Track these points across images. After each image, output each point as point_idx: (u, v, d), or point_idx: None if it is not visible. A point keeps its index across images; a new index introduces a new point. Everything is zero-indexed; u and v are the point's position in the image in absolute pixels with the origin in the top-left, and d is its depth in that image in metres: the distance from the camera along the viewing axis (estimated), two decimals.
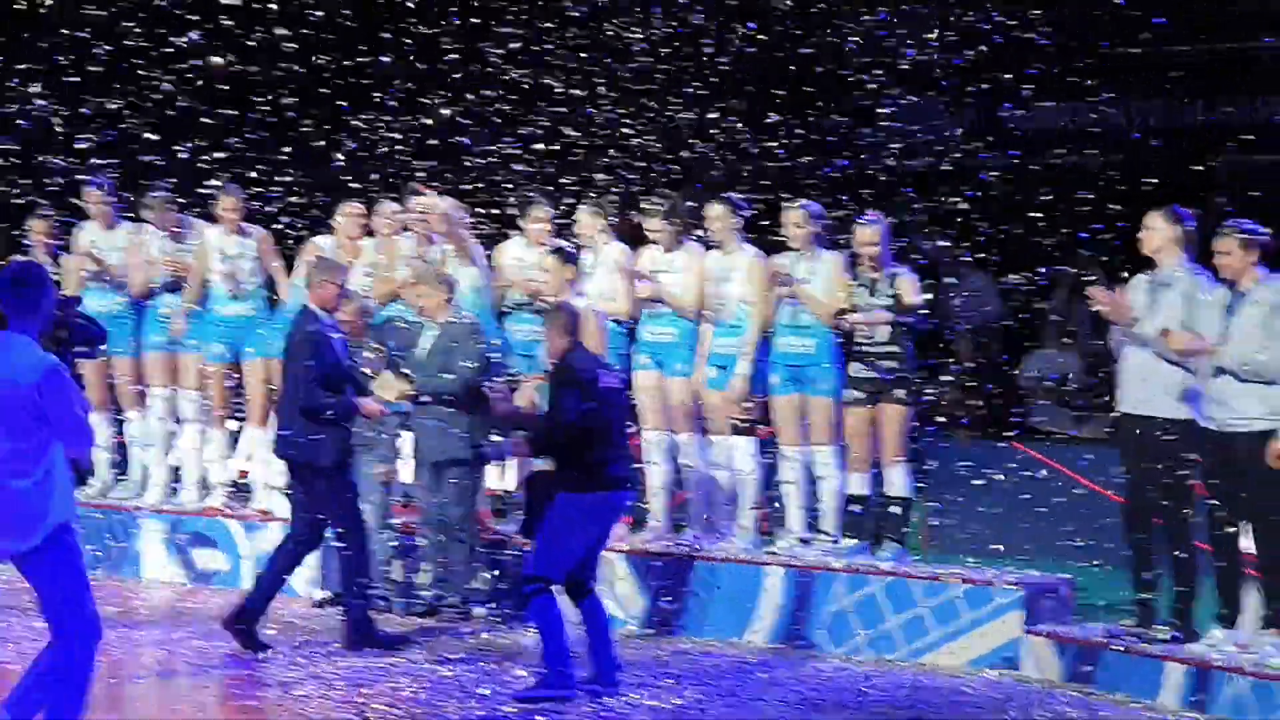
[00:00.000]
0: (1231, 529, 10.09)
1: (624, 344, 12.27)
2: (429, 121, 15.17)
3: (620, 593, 12.10)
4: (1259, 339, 9.84)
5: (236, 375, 13.52)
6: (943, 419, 15.60)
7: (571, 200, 12.96)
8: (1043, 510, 13.59)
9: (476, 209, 13.30)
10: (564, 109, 14.77)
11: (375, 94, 15.51)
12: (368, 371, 11.55)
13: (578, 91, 14.85)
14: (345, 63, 15.28)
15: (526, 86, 15.14)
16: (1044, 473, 13.89)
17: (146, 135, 15.02)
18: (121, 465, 14.02)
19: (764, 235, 12.22)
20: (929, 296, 12.34)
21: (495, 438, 11.54)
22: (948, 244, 15.38)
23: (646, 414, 12.26)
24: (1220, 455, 10.02)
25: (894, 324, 11.61)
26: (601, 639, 10.05)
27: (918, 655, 11.31)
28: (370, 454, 12.05)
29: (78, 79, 15.40)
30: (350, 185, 14.16)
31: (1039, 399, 16.62)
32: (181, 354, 13.55)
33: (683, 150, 14.49)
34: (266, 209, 14.33)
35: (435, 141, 15.12)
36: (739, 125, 15.53)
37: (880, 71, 14.58)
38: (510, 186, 13.51)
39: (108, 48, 15.36)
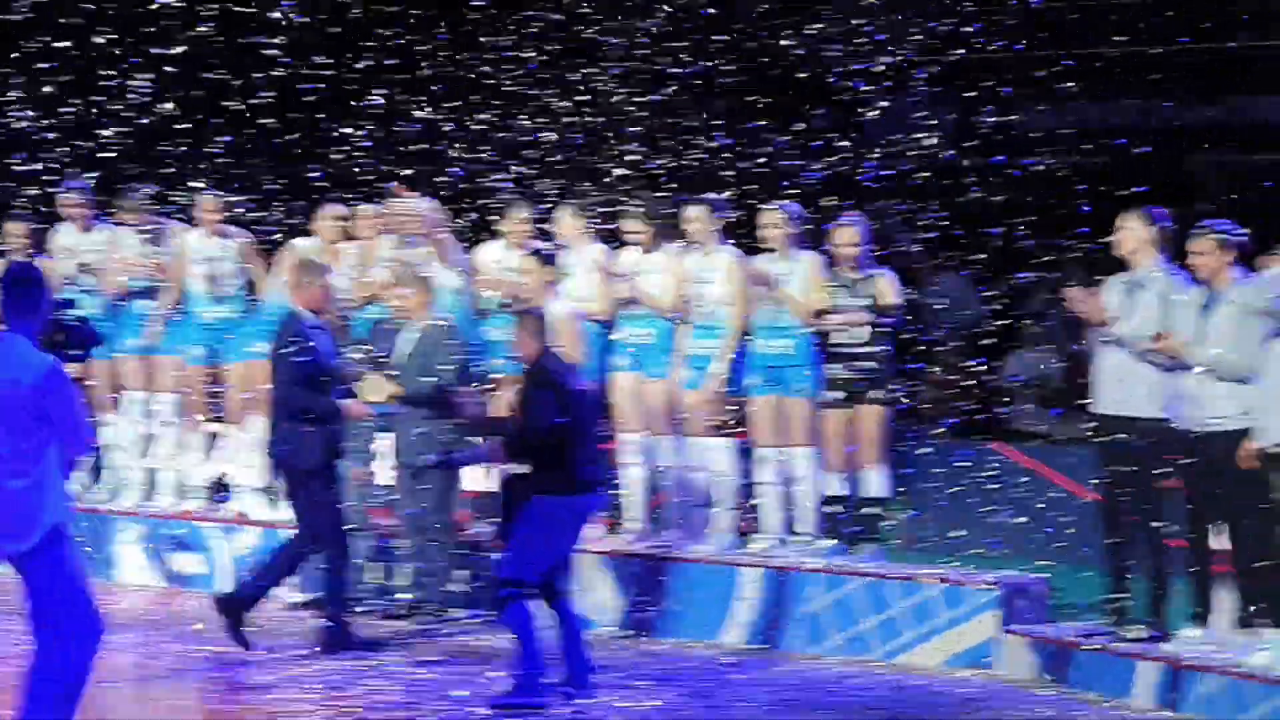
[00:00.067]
0: (1205, 528, 10.12)
1: (602, 344, 12.27)
2: (411, 127, 15.17)
3: (597, 594, 12.11)
4: (1233, 339, 9.86)
5: (217, 378, 13.52)
6: (923, 420, 15.63)
7: (550, 204, 12.98)
8: (1022, 510, 13.62)
9: (456, 212, 13.32)
10: (543, 115, 14.77)
11: (355, 101, 15.50)
12: (355, 374, 11.54)
13: (559, 101, 14.86)
14: (326, 70, 15.28)
15: (508, 91, 15.15)
16: (1022, 474, 13.94)
17: (123, 141, 15.02)
18: (98, 468, 14.00)
19: (742, 238, 12.24)
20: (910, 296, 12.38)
21: (475, 440, 11.53)
22: (921, 247, 15.40)
23: (624, 415, 12.27)
24: (1196, 455, 10.04)
25: (872, 325, 11.63)
26: (575, 642, 10.06)
27: (894, 655, 11.32)
28: (347, 456, 12.04)
29: (54, 87, 15.42)
30: (330, 191, 14.16)
31: (1019, 400, 16.64)
32: (157, 357, 13.54)
33: (663, 154, 14.48)
34: (249, 214, 14.32)
35: (415, 146, 15.11)
36: (721, 128, 15.56)
37: (860, 75, 14.60)
38: (490, 190, 13.50)
39: (83, 52, 15.38)
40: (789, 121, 15.12)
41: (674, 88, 15.07)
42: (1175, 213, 10.68)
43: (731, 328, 11.86)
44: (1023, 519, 13.56)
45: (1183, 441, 10.10)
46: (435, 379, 11.70)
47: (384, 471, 12.52)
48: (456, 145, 15.25)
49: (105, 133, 15.42)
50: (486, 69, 15.11)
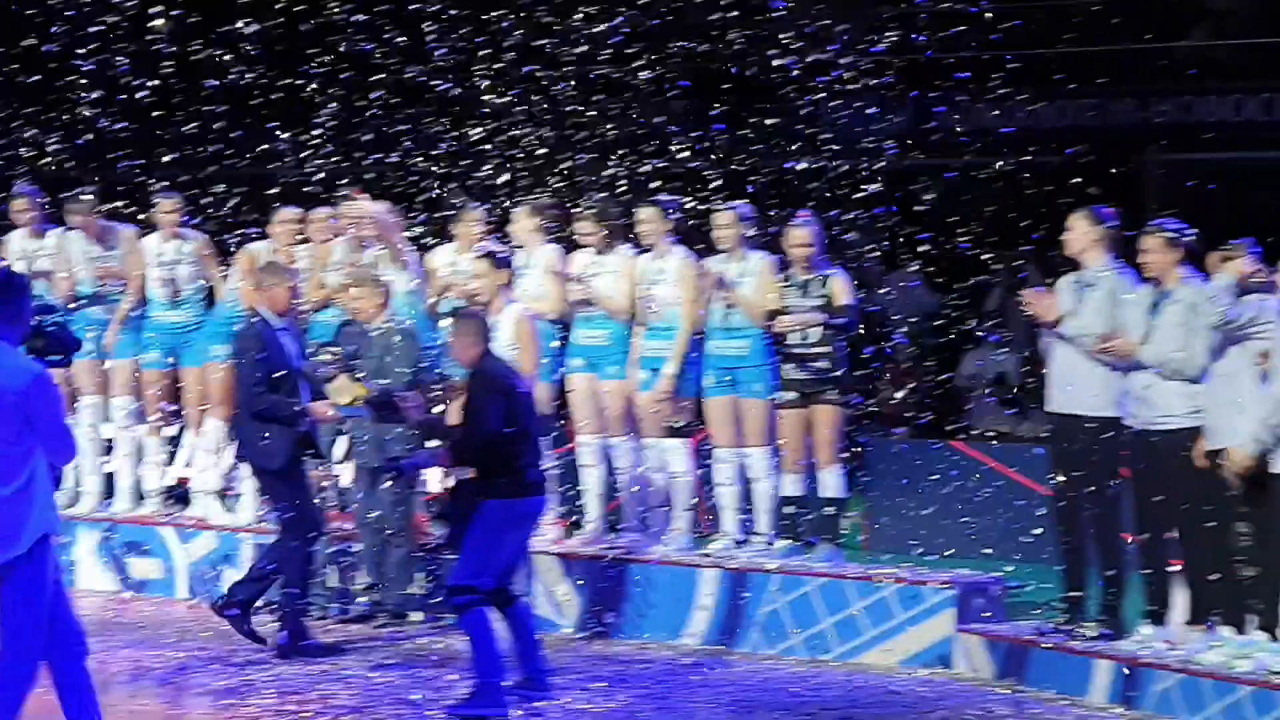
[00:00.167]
0: (1158, 527, 10.16)
1: (556, 346, 12.28)
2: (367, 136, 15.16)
3: (556, 595, 12.12)
4: (1180, 338, 9.91)
5: (175, 381, 13.48)
6: (882, 419, 15.68)
7: (505, 207, 12.99)
8: (981, 509, 13.68)
9: (409, 213, 13.31)
10: (494, 117, 14.77)
11: (308, 109, 15.48)
12: (323, 376, 11.52)
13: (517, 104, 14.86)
14: (278, 78, 15.26)
15: (460, 96, 15.14)
16: (980, 472, 13.99)
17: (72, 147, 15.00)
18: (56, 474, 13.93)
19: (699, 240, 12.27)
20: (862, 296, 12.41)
21: (432, 444, 11.51)
22: (873, 246, 15.44)
23: (580, 417, 12.28)
24: (1145, 453, 10.10)
25: (826, 325, 11.65)
26: (530, 645, 10.04)
27: (851, 655, 11.35)
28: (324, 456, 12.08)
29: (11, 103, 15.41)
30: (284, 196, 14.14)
31: (977, 398, 16.71)
32: (111, 361, 13.49)
33: (613, 155, 14.49)
34: (204, 216, 14.30)
35: (368, 152, 15.10)
36: (675, 130, 15.57)
37: (812, 79, 14.64)
38: (441, 193, 13.49)
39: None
40: (741, 124, 15.14)
41: (629, 94, 15.08)
42: (1124, 212, 10.74)
43: (683, 329, 11.88)
44: (982, 518, 13.63)
45: (1133, 440, 10.15)
46: (390, 381, 11.69)
47: (347, 474, 12.52)
48: (412, 151, 15.23)
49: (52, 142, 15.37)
50: (440, 75, 15.09)
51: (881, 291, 16.08)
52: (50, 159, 14.91)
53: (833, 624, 11.43)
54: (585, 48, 14.70)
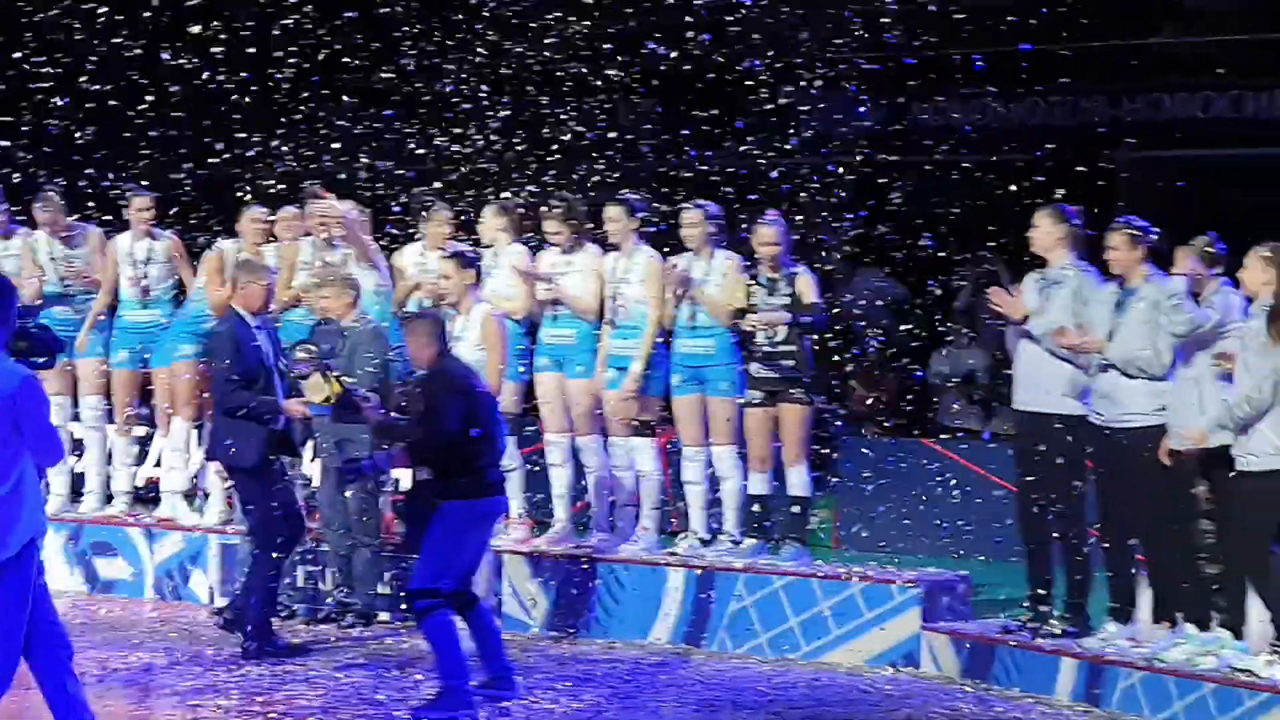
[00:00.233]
0: (1123, 524, 10.18)
1: (524, 345, 12.27)
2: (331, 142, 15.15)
3: (524, 595, 12.11)
4: (1144, 336, 9.93)
5: (145, 381, 13.45)
6: (852, 416, 15.68)
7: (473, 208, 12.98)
8: (950, 507, 13.69)
9: (377, 214, 13.29)
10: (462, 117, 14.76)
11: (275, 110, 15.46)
12: (298, 374, 11.48)
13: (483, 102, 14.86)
14: (246, 80, 15.24)
15: (426, 98, 15.13)
16: (950, 471, 14.00)
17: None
18: None
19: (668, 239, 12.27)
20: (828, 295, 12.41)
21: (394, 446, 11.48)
22: (842, 245, 15.46)
23: (548, 416, 12.27)
24: (1110, 451, 10.11)
25: (792, 324, 11.65)
26: (493, 645, 9.99)
27: (818, 654, 11.35)
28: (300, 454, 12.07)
29: None
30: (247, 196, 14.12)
31: (947, 396, 16.72)
32: (80, 360, 13.44)
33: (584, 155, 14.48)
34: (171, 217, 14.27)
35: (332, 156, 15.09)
36: (645, 128, 15.57)
37: (780, 77, 14.65)
38: (407, 192, 13.47)
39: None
40: (711, 123, 15.13)
41: (600, 96, 15.07)
42: (1097, 210, 10.75)
43: (650, 328, 11.87)
44: (952, 516, 13.64)
45: (1097, 437, 10.16)
46: (357, 381, 11.67)
47: (316, 473, 12.50)
48: (380, 153, 15.23)
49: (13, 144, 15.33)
50: (410, 80, 15.09)
51: (850, 298, 16.06)
52: (12, 166, 14.85)
53: (799, 623, 11.43)
54: (552, 52, 14.71)
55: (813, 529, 12.84)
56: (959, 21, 15.11)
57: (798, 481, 11.74)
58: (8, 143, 15.31)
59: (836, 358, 14.61)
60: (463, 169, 14.16)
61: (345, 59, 15.14)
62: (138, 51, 14.95)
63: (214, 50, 14.68)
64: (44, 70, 15.12)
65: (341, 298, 12.01)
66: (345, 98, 15.29)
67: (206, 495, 13.30)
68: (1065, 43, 16.13)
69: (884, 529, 13.90)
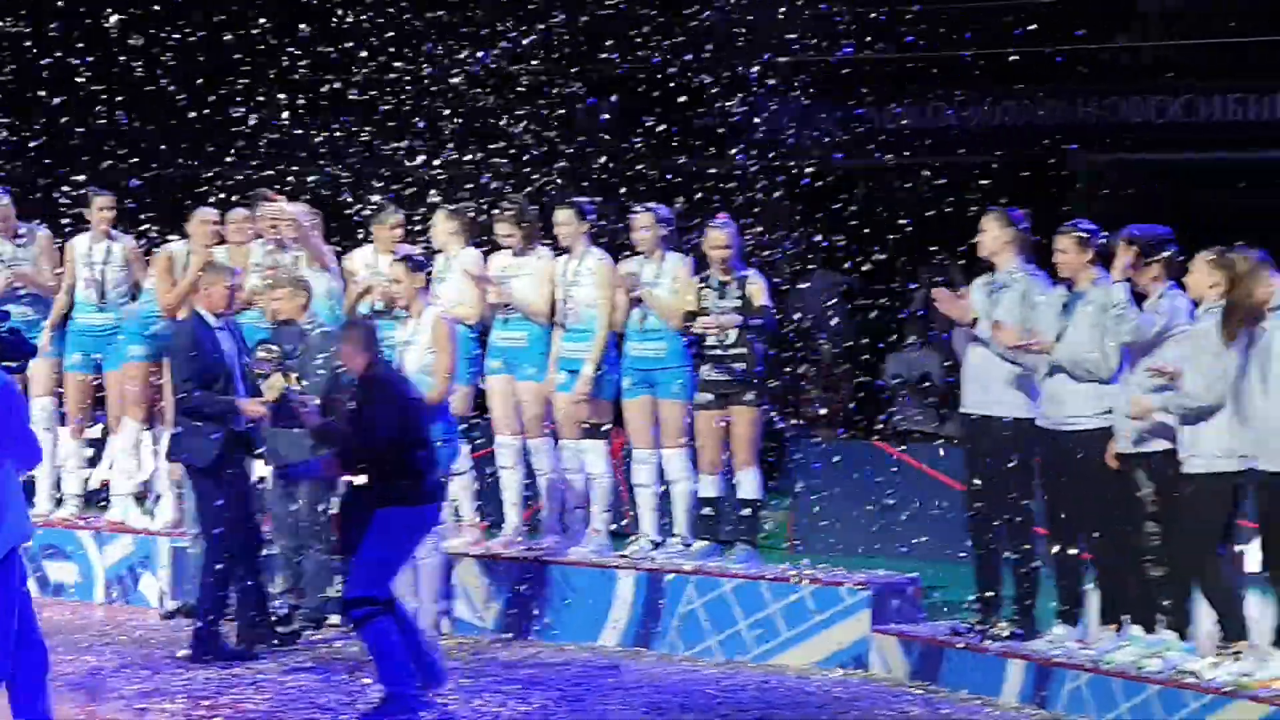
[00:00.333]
0: (1070, 526, 10.20)
1: (475, 351, 12.25)
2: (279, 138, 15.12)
3: (474, 597, 12.09)
4: (1092, 339, 9.95)
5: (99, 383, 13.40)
6: (805, 419, 15.70)
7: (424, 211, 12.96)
8: (902, 509, 13.71)
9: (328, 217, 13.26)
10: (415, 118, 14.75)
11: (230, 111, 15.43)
12: (259, 373, 11.45)
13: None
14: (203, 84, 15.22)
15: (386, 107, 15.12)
16: (903, 472, 14.02)
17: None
18: None
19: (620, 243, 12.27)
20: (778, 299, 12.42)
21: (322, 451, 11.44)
22: (795, 248, 15.48)
23: (499, 419, 12.25)
24: (1056, 453, 10.13)
25: (743, 326, 11.65)
26: (417, 643, 9.93)
27: (768, 656, 11.35)
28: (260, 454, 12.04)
29: None
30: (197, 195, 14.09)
31: (900, 399, 16.75)
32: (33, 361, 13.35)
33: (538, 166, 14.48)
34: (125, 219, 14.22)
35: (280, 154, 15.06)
36: (599, 132, 15.57)
37: (734, 82, 14.66)
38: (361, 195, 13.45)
39: None
40: (664, 127, 15.15)
41: (554, 102, 15.07)
42: (1048, 213, 10.77)
43: (600, 331, 11.86)
44: (903, 517, 13.66)
45: (1044, 439, 10.18)
46: (307, 384, 11.63)
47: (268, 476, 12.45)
48: (330, 157, 15.20)
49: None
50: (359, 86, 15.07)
51: (805, 297, 16.09)
52: None
53: (749, 625, 11.43)
54: (507, 59, 14.70)
55: (767, 532, 12.85)
56: (916, 27, 15.14)
57: (748, 484, 11.74)
58: None
59: (788, 368, 14.63)
60: (418, 173, 14.13)
61: (299, 65, 15.10)
62: (90, 59, 14.91)
63: (165, 56, 14.65)
64: None
65: (294, 300, 11.97)
66: (297, 101, 15.23)
67: (158, 498, 13.25)
68: (1020, 47, 16.18)
69: (840, 531, 13.91)
